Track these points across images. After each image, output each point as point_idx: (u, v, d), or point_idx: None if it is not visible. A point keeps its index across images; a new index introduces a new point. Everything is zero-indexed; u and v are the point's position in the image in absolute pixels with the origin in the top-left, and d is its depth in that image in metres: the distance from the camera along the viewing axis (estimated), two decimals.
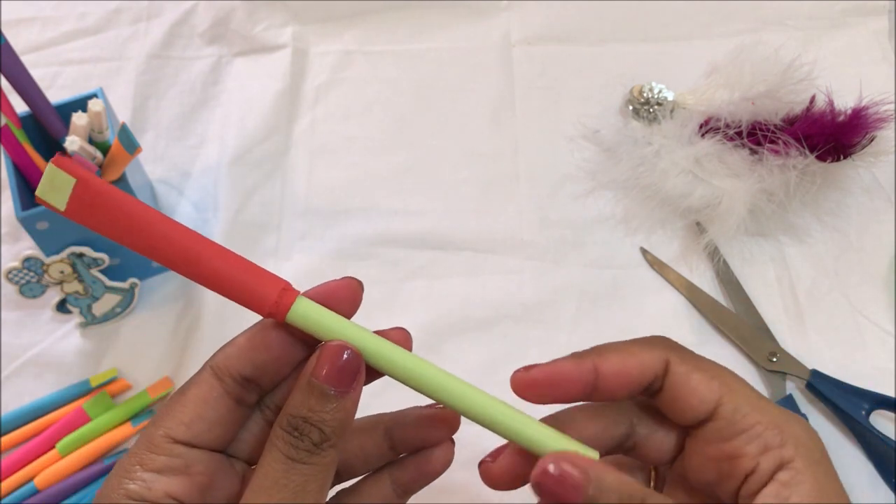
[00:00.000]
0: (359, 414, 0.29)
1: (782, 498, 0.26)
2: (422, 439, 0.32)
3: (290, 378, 0.29)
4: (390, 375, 0.28)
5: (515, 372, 0.29)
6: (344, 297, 0.29)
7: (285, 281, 0.28)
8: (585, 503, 0.25)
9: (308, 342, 0.29)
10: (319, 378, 0.26)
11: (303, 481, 0.26)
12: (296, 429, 0.26)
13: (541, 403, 0.29)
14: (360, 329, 0.28)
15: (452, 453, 0.32)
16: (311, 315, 0.27)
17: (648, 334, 0.54)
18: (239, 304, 0.27)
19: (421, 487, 0.32)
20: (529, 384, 0.28)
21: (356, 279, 0.30)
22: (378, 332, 0.29)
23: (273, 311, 0.27)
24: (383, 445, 0.32)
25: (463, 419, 0.29)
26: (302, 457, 0.26)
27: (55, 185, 0.25)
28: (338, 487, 0.33)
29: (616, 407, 0.30)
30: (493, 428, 0.28)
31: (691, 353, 0.29)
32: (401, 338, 0.29)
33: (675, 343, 0.30)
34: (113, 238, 0.26)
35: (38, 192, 0.25)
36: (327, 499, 0.30)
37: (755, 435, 0.27)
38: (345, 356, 0.27)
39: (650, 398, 0.30)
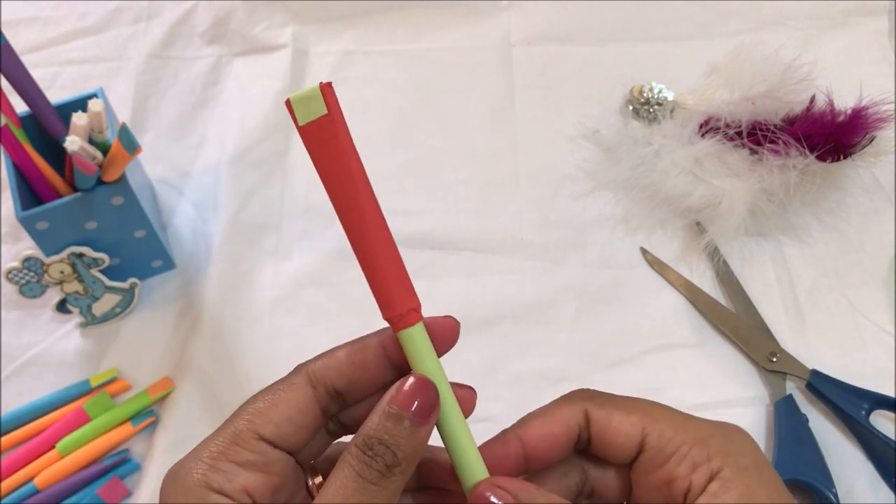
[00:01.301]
0: None
1: None
2: (446, 482, 0.32)
3: (367, 399, 0.30)
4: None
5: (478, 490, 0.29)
6: (450, 336, 0.31)
7: (419, 302, 0.30)
8: None
9: (399, 368, 0.30)
10: (400, 405, 0.27)
11: (370, 502, 0.26)
12: (370, 448, 0.27)
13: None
14: (443, 375, 0.29)
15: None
16: (418, 343, 0.29)
17: (648, 334, 0.54)
18: (372, 293, 0.29)
19: None
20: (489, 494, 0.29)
21: (456, 321, 0.31)
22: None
23: (393, 319, 0.29)
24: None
25: None
26: (374, 477, 0.26)
27: (309, 105, 0.27)
28: None
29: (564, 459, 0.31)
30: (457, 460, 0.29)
31: (608, 395, 0.31)
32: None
33: (591, 391, 0.31)
34: (322, 179, 0.29)
35: (292, 98, 0.27)
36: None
37: (683, 455, 0.28)
38: (427, 390, 0.28)
39: (586, 448, 0.31)
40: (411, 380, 0.28)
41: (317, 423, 0.29)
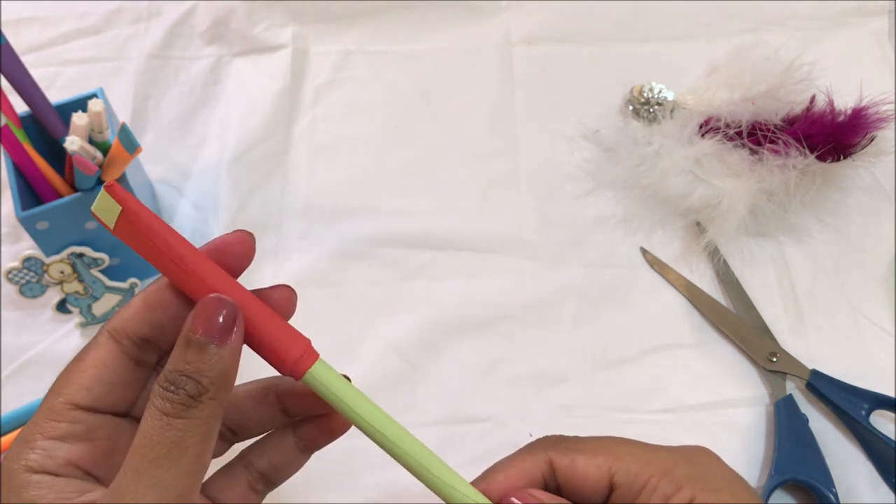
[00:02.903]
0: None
1: None
2: (315, 410, 0.31)
3: None
4: (369, 437, 0.28)
5: None
6: (236, 251, 0.28)
7: (305, 339, 0.28)
8: None
9: None
10: (196, 332, 0.25)
11: (179, 437, 0.25)
12: (172, 383, 0.25)
13: None
14: (379, 410, 0.28)
15: None
16: (327, 380, 0.28)
17: (648, 334, 0.54)
18: (259, 354, 0.28)
19: (326, 444, 0.32)
20: None
21: (247, 232, 0.29)
22: (258, 290, 0.29)
23: (293, 371, 0.27)
24: (276, 410, 0.31)
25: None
26: (178, 411, 0.25)
27: (107, 208, 0.27)
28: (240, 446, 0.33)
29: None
30: (425, 479, 0.28)
31: (571, 440, 0.31)
32: (285, 295, 0.29)
33: (554, 439, 0.31)
34: (152, 264, 0.27)
35: (92, 209, 0.27)
36: (220, 455, 0.31)
37: (653, 488, 0.28)
38: (222, 308, 0.26)
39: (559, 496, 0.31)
40: (202, 302, 0.26)
41: (134, 378, 0.28)
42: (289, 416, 0.31)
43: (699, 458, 0.29)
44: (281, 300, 0.29)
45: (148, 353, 0.28)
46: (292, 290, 0.29)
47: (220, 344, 0.25)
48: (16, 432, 0.51)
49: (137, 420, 0.27)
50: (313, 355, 0.28)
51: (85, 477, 0.26)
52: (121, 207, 0.27)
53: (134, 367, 0.28)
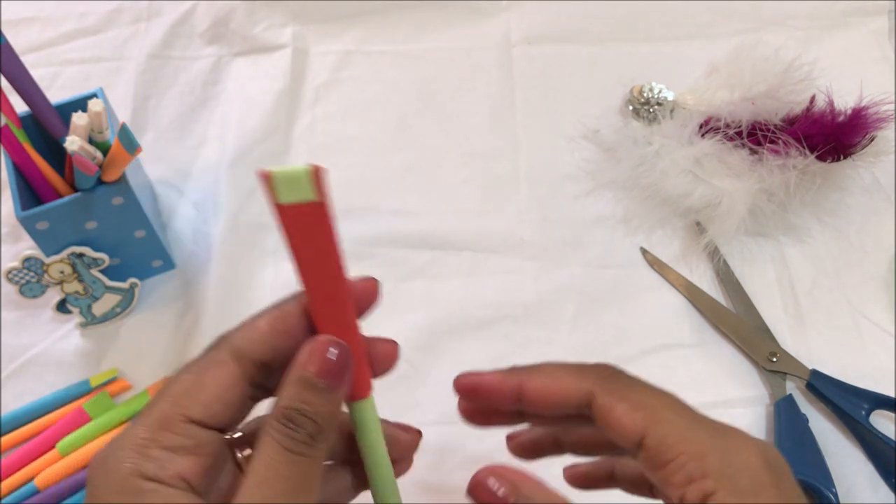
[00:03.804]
0: None
1: None
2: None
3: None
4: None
5: (457, 377, 0.31)
6: (365, 299, 0.31)
7: (371, 379, 0.30)
8: None
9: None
10: (313, 372, 0.26)
11: (302, 473, 0.26)
12: (291, 420, 0.26)
13: (470, 418, 0.33)
14: (385, 451, 0.31)
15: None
16: (368, 415, 0.30)
17: (648, 334, 0.54)
18: None
19: None
20: (464, 390, 0.31)
21: (375, 279, 0.31)
22: (370, 338, 0.30)
23: (350, 394, 0.29)
24: (342, 444, 0.32)
25: None
26: (301, 449, 0.26)
27: (293, 185, 0.25)
28: None
29: None
30: None
31: (623, 381, 0.30)
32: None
33: (610, 372, 0.30)
34: (301, 269, 0.27)
35: (275, 174, 0.25)
36: None
37: (679, 465, 0.27)
38: (337, 352, 0.27)
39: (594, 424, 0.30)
40: (320, 343, 0.27)
41: (244, 397, 0.28)
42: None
43: (736, 453, 0.27)
44: (385, 354, 0.31)
45: (260, 374, 0.29)
46: (396, 344, 0.31)
47: (334, 389, 0.27)
48: (16, 432, 0.51)
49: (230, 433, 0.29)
50: (367, 393, 0.30)
51: (189, 490, 0.26)
52: (315, 198, 0.25)
53: (247, 387, 0.28)
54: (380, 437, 0.30)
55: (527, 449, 0.34)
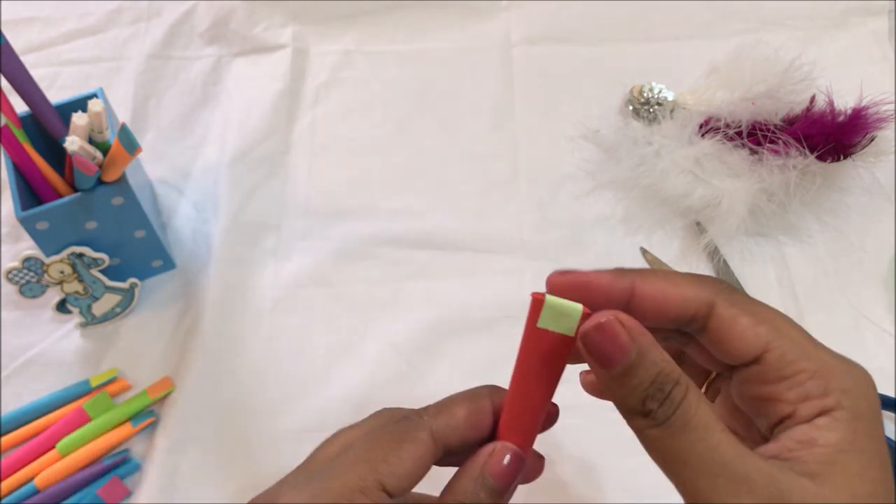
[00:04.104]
0: None
1: (809, 438, 0.26)
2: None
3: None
4: None
5: (552, 274, 0.29)
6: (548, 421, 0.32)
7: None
8: (624, 367, 0.26)
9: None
10: (496, 478, 0.28)
11: None
12: None
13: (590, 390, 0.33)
14: None
15: None
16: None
17: None
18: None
19: None
20: (564, 288, 0.28)
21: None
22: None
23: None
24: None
25: None
26: None
27: (559, 316, 0.27)
28: None
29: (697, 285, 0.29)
30: None
31: (742, 295, 0.29)
32: (540, 465, 0.33)
33: (727, 285, 0.29)
34: (520, 386, 0.29)
35: (548, 300, 0.27)
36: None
37: (798, 383, 0.27)
38: (516, 462, 0.29)
39: (695, 334, 0.29)
40: (508, 456, 0.29)
41: (425, 474, 0.30)
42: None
43: (859, 377, 0.27)
44: (535, 469, 0.32)
45: (451, 457, 0.30)
46: (544, 459, 0.32)
47: (504, 494, 0.28)
48: (16, 432, 0.51)
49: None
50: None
51: None
52: (572, 335, 0.27)
53: (431, 465, 0.29)
54: None
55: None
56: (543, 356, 0.28)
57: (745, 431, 0.30)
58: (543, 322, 0.27)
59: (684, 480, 0.26)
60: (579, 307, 0.26)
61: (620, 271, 0.29)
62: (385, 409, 0.32)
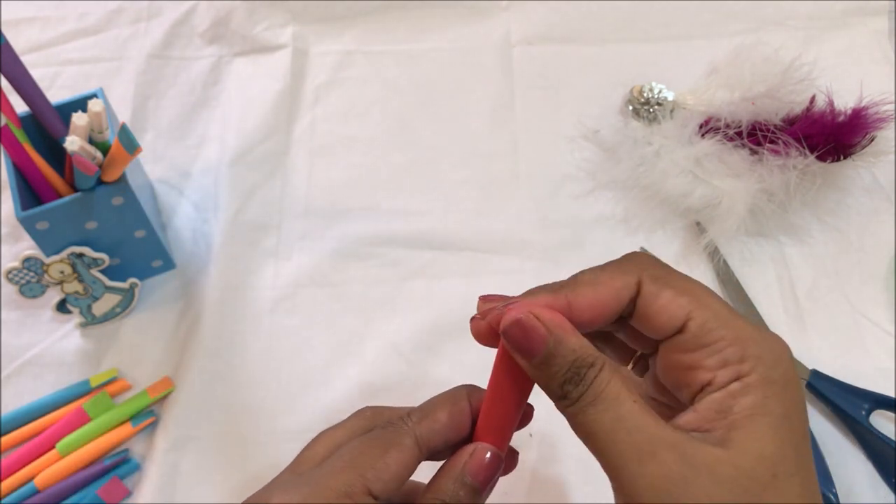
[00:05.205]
0: None
1: (725, 406, 0.27)
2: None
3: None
4: None
5: (489, 311, 0.31)
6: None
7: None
8: (543, 356, 0.27)
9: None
10: (472, 474, 0.30)
11: None
12: None
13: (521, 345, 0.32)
14: None
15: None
16: None
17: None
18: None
19: None
20: (510, 329, 0.29)
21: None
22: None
23: None
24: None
25: None
26: None
27: None
28: None
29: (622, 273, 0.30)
30: None
31: (665, 269, 0.30)
32: (514, 461, 0.34)
33: (649, 259, 0.30)
34: (494, 396, 0.31)
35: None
36: None
37: (716, 350, 0.28)
38: (496, 459, 0.30)
39: (627, 317, 0.30)
40: (488, 455, 0.30)
41: (409, 478, 0.31)
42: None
43: (773, 346, 0.28)
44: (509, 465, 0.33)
45: (432, 455, 0.31)
46: (517, 454, 0.34)
47: (482, 492, 0.30)
48: (16, 432, 0.51)
49: None
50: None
51: None
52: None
53: (416, 468, 0.31)
54: None
55: None
56: (516, 364, 0.29)
57: (671, 407, 0.31)
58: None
59: (597, 450, 0.27)
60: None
61: (554, 290, 0.29)
62: (367, 408, 0.33)
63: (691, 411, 0.28)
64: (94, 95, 0.52)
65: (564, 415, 0.28)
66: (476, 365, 0.53)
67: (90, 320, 0.55)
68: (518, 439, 0.33)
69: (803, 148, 0.55)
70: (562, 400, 0.28)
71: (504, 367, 0.30)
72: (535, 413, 0.33)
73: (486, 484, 0.30)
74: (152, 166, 0.62)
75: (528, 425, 0.33)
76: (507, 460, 0.32)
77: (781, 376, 0.28)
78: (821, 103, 0.57)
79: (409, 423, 0.31)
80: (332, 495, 0.28)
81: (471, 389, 0.32)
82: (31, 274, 0.50)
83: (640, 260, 0.30)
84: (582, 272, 0.30)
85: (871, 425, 0.48)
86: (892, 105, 0.54)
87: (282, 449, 0.50)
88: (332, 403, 0.52)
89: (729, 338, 0.28)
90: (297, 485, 0.29)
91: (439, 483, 0.30)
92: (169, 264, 0.57)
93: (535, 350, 0.27)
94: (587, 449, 0.28)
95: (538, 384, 0.28)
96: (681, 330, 0.29)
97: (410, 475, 0.30)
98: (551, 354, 0.27)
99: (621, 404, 0.27)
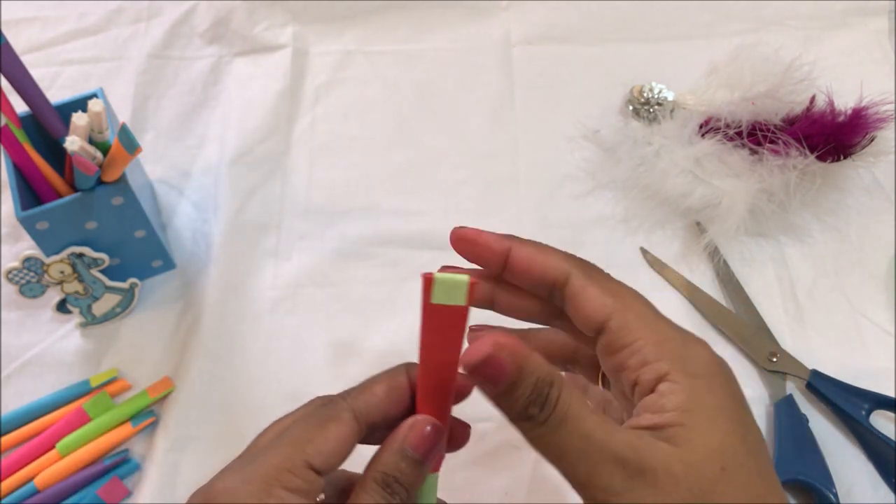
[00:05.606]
0: None
1: (658, 405, 0.28)
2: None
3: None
4: None
5: (454, 228, 0.34)
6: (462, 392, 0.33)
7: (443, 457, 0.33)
8: (508, 384, 0.28)
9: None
10: (412, 446, 0.30)
11: None
12: (388, 486, 0.29)
13: (465, 258, 0.35)
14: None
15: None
16: (431, 487, 0.33)
17: None
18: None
19: None
20: (458, 238, 0.34)
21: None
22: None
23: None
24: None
25: None
26: None
27: (449, 290, 0.29)
28: None
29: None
30: None
31: (598, 272, 0.32)
32: (464, 432, 0.34)
33: (589, 263, 0.33)
34: (424, 354, 0.30)
35: (437, 277, 0.28)
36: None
37: (636, 349, 0.29)
38: (435, 432, 0.30)
39: (560, 305, 0.32)
40: (428, 428, 0.30)
41: (350, 452, 0.31)
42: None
43: (692, 345, 0.30)
44: (461, 436, 0.33)
45: (366, 434, 0.32)
46: (469, 427, 0.33)
47: (425, 464, 0.30)
48: (16, 432, 0.51)
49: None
50: (438, 468, 0.33)
51: None
52: (464, 304, 0.29)
53: (355, 443, 0.31)
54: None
55: None
56: (443, 329, 0.29)
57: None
58: (437, 298, 0.28)
59: (568, 470, 0.28)
60: (466, 278, 0.28)
61: (503, 236, 0.33)
62: (317, 397, 0.33)
63: (634, 415, 0.29)
64: (94, 95, 0.52)
65: (528, 436, 0.28)
66: None
67: (90, 320, 0.55)
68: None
69: (803, 148, 0.55)
70: (526, 421, 0.28)
71: (431, 337, 0.30)
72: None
73: (426, 455, 0.30)
74: (152, 166, 0.62)
75: None
76: (459, 433, 0.33)
77: (705, 371, 0.29)
78: (821, 103, 0.57)
79: (347, 399, 0.31)
80: (273, 472, 0.29)
81: (410, 366, 0.33)
82: (31, 274, 0.50)
83: (581, 259, 0.33)
84: (533, 239, 0.33)
85: (871, 425, 0.48)
86: (892, 105, 0.54)
87: None
88: None
89: (647, 338, 0.29)
90: (240, 467, 0.30)
91: (380, 457, 0.30)
92: (169, 264, 0.57)
93: (500, 380, 0.27)
94: (553, 466, 0.28)
95: (499, 407, 0.29)
96: (604, 329, 0.30)
97: (350, 449, 0.30)
98: (515, 381, 0.28)
99: (585, 421, 0.27)
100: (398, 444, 0.30)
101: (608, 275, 0.33)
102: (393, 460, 0.30)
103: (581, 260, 0.33)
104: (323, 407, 0.31)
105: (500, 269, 0.33)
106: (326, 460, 0.29)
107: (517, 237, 0.33)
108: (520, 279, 0.33)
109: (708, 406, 0.28)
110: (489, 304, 0.35)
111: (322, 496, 0.32)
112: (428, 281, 0.28)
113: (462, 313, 0.29)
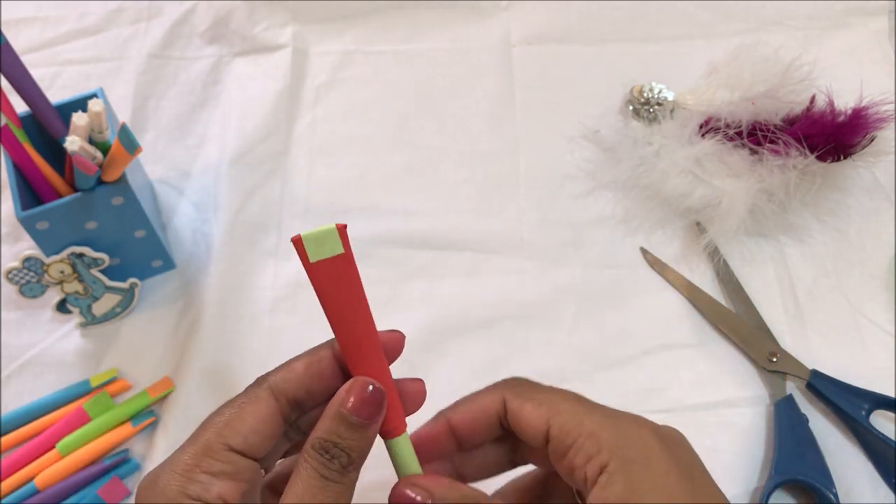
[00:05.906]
0: None
1: (602, 499, 0.29)
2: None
3: (322, 404, 0.32)
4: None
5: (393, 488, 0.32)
6: (391, 347, 0.33)
7: (404, 416, 0.32)
8: None
9: (348, 375, 0.32)
10: (349, 409, 0.30)
11: (335, 497, 0.29)
12: (326, 451, 0.29)
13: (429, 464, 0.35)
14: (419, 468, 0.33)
15: None
16: (403, 449, 0.32)
17: (648, 334, 0.54)
18: None
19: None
20: (406, 483, 0.32)
21: (401, 333, 0.34)
22: (399, 380, 0.33)
23: (383, 432, 0.32)
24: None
25: None
26: (334, 476, 0.29)
27: (322, 243, 0.28)
28: None
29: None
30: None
31: (529, 386, 0.33)
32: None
33: (516, 381, 0.34)
34: (331, 318, 0.30)
35: (303, 235, 0.28)
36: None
37: (579, 447, 0.30)
38: (371, 391, 0.30)
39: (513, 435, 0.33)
40: (356, 383, 0.30)
41: (279, 431, 0.31)
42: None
43: (626, 429, 0.30)
44: (415, 392, 0.33)
45: (294, 411, 0.32)
46: (422, 382, 0.34)
47: (367, 426, 0.30)
48: (16, 432, 0.51)
49: (266, 466, 0.32)
50: (403, 427, 0.32)
51: None
52: (342, 251, 0.29)
53: (282, 422, 0.31)
54: (417, 470, 0.32)
55: None
56: (335, 285, 0.29)
57: None
58: (314, 255, 0.29)
59: None
60: (332, 226, 0.28)
61: (433, 420, 0.34)
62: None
63: None
64: (94, 95, 0.52)
65: None
66: (476, 364, 0.53)
67: (90, 320, 0.55)
68: None
69: (803, 148, 0.55)
70: None
71: (327, 296, 0.30)
72: None
73: (366, 416, 0.30)
74: (152, 166, 0.62)
75: None
76: (410, 390, 0.33)
77: (640, 454, 0.29)
78: (821, 103, 0.57)
79: (267, 379, 0.31)
80: (193, 458, 0.29)
81: (333, 340, 0.33)
82: (31, 274, 0.50)
83: (508, 381, 0.34)
84: (463, 397, 0.34)
85: (871, 425, 0.48)
86: (892, 105, 0.54)
87: None
88: None
89: (585, 433, 0.30)
90: (169, 458, 0.30)
91: (318, 424, 0.30)
92: (169, 264, 0.57)
93: None
94: None
95: None
96: (548, 438, 0.31)
97: (274, 427, 0.30)
98: None
99: None
100: (335, 408, 0.30)
101: (536, 384, 0.34)
102: (330, 425, 0.30)
103: (508, 381, 0.34)
104: (244, 390, 0.31)
105: (457, 446, 0.34)
106: (246, 440, 0.30)
107: (448, 407, 0.34)
108: (474, 437, 0.34)
109: (647, 492, 0.28)
110: (463, 480, 0.36)
111: (264, 474, 0.32)
112: (297, 242, 0.28)
113: (346, 260, 0.29)
